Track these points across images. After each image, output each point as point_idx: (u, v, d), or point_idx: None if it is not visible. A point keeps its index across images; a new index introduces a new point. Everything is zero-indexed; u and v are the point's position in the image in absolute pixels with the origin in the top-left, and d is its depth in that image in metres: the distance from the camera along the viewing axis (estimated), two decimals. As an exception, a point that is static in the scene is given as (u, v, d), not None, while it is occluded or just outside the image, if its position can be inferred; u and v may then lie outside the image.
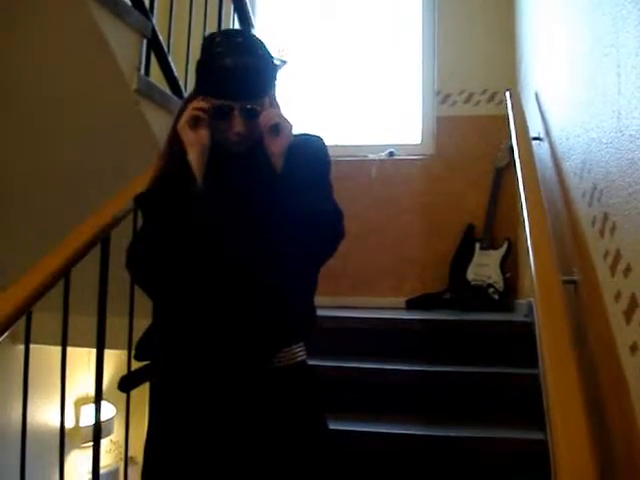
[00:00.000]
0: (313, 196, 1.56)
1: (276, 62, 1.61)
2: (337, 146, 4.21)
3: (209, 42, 1.57)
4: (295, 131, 1.61)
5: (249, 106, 1.53)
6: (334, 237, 1.59)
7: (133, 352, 1.67)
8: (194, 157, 1.55)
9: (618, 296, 1.66)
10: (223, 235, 1.57)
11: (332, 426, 1.71)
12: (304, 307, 1.68)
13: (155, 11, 2.72)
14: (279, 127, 1.55)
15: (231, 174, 1.62)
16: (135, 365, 1.72)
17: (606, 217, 1.80)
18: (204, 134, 1.56)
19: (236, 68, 1.50)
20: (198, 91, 1.60)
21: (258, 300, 1.56)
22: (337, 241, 1.59)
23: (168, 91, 2.83)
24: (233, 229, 1.57)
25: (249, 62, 1.52)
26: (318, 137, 1.72)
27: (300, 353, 1.66)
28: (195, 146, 1.55)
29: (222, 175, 1.61)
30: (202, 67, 1.57)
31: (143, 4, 2.59)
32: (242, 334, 1.55)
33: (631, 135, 1.57)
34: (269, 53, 1.59)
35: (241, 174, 1.61)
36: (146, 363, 1.68)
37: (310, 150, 1.67)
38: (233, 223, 1.58)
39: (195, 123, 1.55)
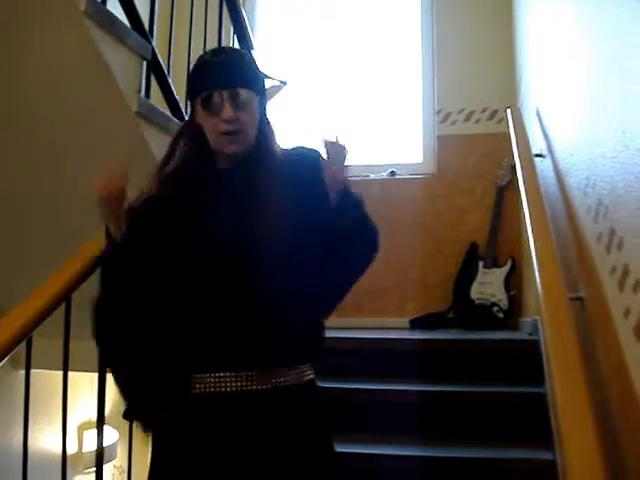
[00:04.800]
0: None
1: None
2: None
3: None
4: (289, 145, 1.72)
5: (235, 91, 1.58)
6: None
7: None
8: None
9: (627, 312, 1.64)
10: (221, 252, 1.57)
11: (337, 448, 1.68)
12: (312, 325, 1.67)
13: (155, 33, 2.72)
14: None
15: (228, 189, 1.64)
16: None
17: (612, 232, 1.78)
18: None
19: (219, 60, 1.62)
20: (189, 95, 1.68)
21: (261, 314, 1.55)
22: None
23: (168, 113, 2.83)
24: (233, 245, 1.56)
25: (231, 55, 1.66)
26: (315, 151, 1.73)
27: (308, 372, 1.64)
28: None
29: (219, 191, 1.63)
30: (191, 73, 1.67)
31: (142, 26, 2.60)
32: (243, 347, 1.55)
33: (637, 149, 1.56)
34: (254, 59, 1.69)
35: (238, 186, 1.63)
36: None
37: (309, 168, 1.69)
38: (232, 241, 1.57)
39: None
